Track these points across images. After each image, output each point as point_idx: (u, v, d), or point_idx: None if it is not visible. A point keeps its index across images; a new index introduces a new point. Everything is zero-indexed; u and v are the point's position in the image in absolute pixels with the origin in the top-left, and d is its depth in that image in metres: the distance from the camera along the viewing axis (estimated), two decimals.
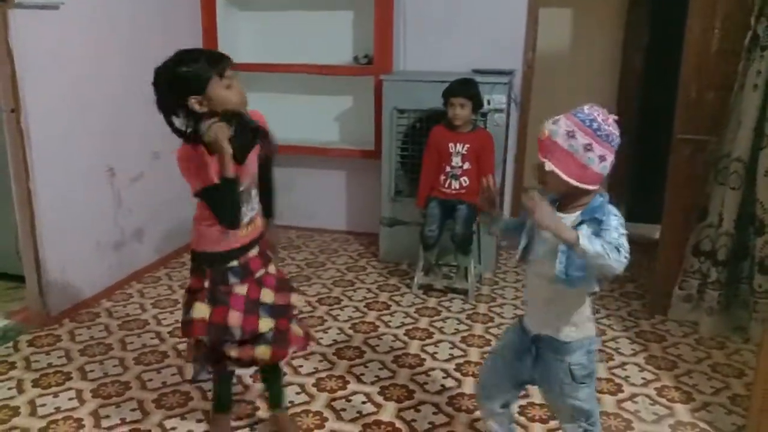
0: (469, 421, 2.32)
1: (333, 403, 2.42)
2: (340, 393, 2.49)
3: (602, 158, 1.51)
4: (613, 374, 2.67)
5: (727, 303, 3.02)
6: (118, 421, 2.29)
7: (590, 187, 1.55)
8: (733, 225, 2.90)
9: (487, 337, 2.99)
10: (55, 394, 2.44)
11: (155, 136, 3.61)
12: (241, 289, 1.90)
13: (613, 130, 1.52)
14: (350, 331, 3.01)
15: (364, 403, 2.43)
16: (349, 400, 2.44)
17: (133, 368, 2.64)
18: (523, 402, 2.38)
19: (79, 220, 3.15)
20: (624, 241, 1.50)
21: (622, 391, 2.54)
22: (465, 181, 3.30)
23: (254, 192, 1.94)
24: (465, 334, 3.01)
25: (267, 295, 1.95)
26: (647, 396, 2.52)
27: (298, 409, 2.37)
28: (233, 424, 2.26)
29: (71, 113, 3.06)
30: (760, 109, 2.74)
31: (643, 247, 4.04)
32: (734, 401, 2.49)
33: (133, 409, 2.36)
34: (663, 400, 2.49)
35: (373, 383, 2.56)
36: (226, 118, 1.76)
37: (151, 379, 2.56)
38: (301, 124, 4.30)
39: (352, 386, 2.54)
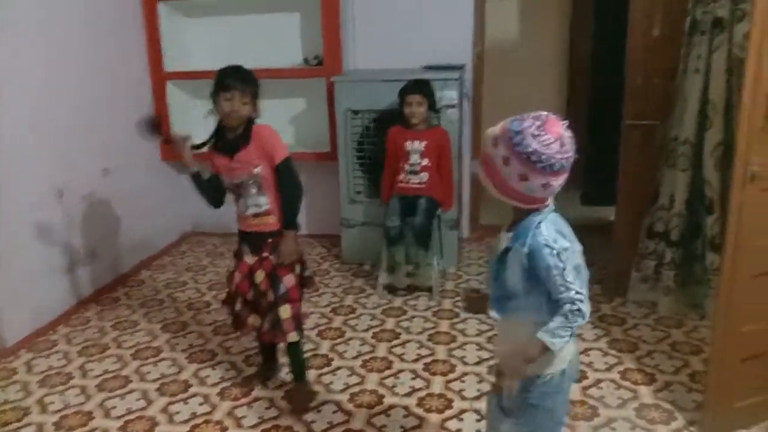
0: (439, 422, 2.33)
1: (304, 416, 2.40)
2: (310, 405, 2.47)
3: (523, 177, 1.34)
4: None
5: (683, 281, 3.10)
6: None
7: (520, 204, 1.42)
8: (684, 206, 2.97)
9: (453, 333, 3.01)
10: (16, 430, 2.36)
11: (104, 153, 3.54)
12: (250, 260, 2.38)
13: (547, 151, 1.30)
14: (317, 339, 2.99)
15: (334, 412, 2.41)
16: (319, 411, 2.42)
17: (96, 396, 2.57)
18: None
19: (28, 244, 3.04)
20: (570, 279, 1.39)
21: (587, 378, 2.59)
22: (425, 176, 3.30)
23: (255, 190, 2.28)
24: (432, 332, 3.03)
25: (259, 275, 2.36)
26: (612, 381, 2.57)
27: (267, 425, 2.34)
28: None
29: (16, 135, 2.94)
30: (702, 92, 2.81)
31: (600, 230, 4.14)
32: (693, 378, 2.56)
33: None
34: (627, 383, 2.55)
35: (342, 391, 2.55)
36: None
37: (114, 407, 2.49)
38: None
39: (322, 395, 2.52)
